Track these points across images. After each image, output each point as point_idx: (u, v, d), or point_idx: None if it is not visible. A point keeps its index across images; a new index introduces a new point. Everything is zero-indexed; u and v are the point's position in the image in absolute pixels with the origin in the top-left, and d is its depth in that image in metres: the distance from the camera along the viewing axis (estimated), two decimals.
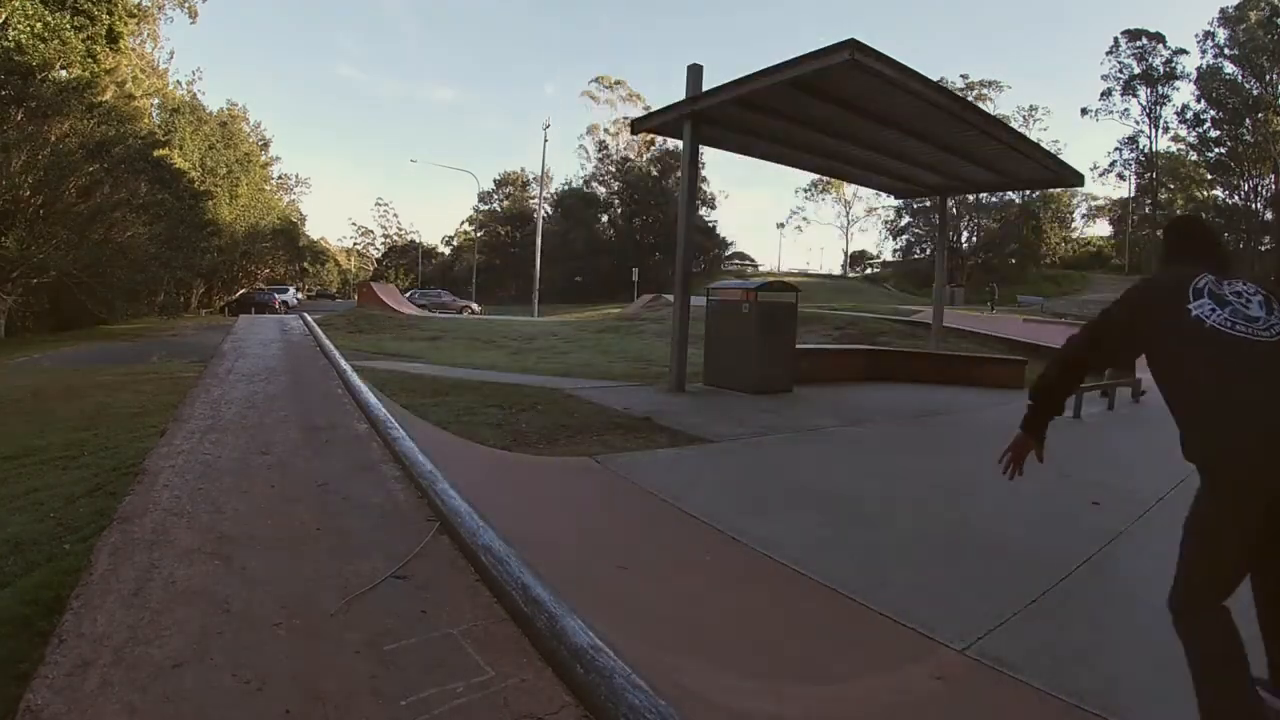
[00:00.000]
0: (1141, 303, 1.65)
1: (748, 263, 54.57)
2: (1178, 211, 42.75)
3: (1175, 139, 43.23)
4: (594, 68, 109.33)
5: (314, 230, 58.99)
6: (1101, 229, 52.45)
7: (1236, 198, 41.57)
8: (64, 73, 18.59)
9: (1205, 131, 41.05)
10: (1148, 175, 44.72)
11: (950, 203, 19.70)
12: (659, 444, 4.54)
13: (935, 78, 9.54)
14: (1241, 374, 1.40)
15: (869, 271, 58.77)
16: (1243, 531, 1.42)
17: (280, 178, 50.10)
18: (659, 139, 37.58)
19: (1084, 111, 45.55)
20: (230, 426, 3.04)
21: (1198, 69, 40.31)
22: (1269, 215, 40.01)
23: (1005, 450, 1.84)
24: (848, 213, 58.76)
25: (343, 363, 4.73)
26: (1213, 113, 40.19)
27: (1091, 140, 71.48)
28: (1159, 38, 42.00)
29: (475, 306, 32.49)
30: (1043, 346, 14.59)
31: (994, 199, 46.44)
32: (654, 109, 8.75)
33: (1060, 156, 8.87)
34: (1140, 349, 1.64)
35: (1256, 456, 1.36)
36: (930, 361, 9.51)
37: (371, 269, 60.98)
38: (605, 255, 45.34)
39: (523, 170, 54.17)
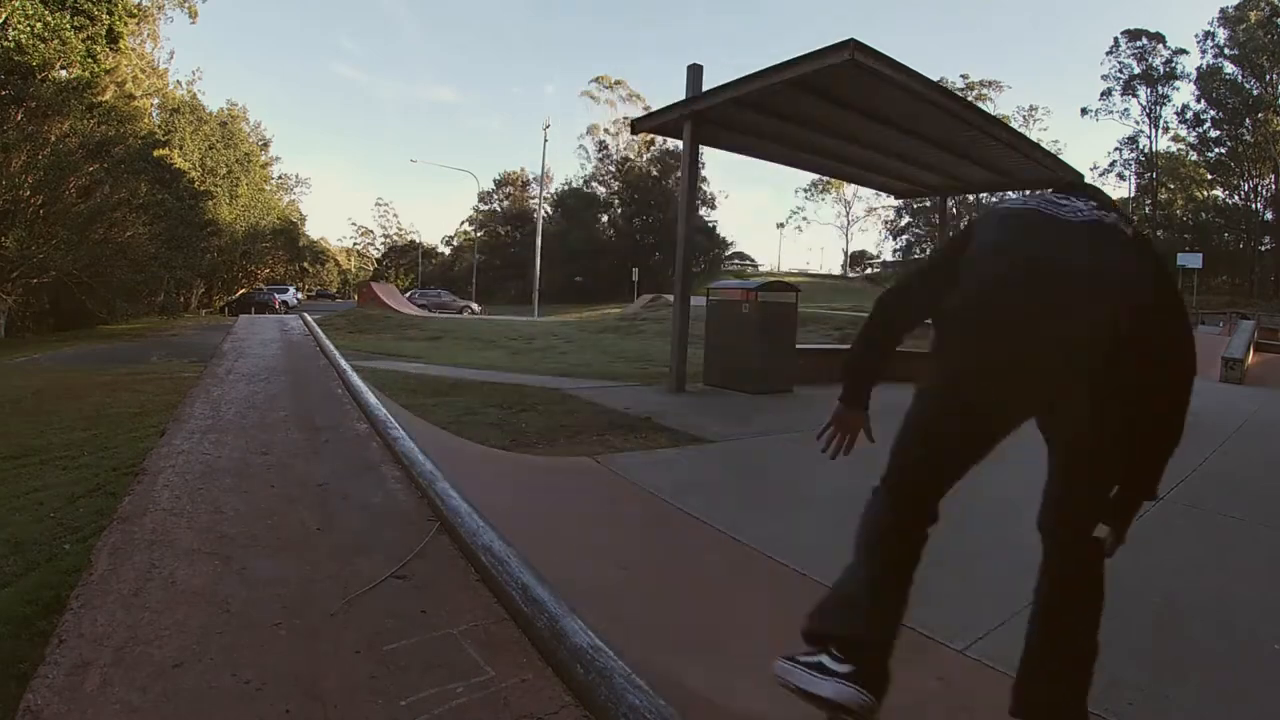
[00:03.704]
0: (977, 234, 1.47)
1: (748, 263, 54.60)
2: (1177, 212, 42.86)
3: (1175, 139, 43.29)
4: (594, 68, 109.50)
5: (314, 230, 59.05)
6: None
7: (1236, 198, 41.60)
8: (64, 73, 18.57)
9: (1205, 131, 41.09)
10: (1148, 175, 44.70)
11: (950, 203, 19.69)
12: (659, 444, 4.54)
13: (935, 78, 9.54)
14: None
15: (869, 272, 58.82)
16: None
17: (280, 178, 50.19)
18: (659, 139, 37.57)
19: (1084, 111, 45.56)
20: (230, 426, 3.04)
21: (1198, 69, 40.37)
22: (1269, 215, 39.99)
23: (827, 431, 1.60)
24: (848, 213, 58.86)
25: (343, 363, 4.72)
26: (1213, 113, 40.20)
27: (1091, 140, 71.88)
28: (1159, 38, 42.01)
29: (475, 306, 32.50)
30: None
31: (994, 199, 46.47)
32: (654, 109, 8.75)
33: (1060, 156, 8.88)
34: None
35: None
36: None
37: (371, 269, 60.97)
38: (605, 255, 45.31)
39: (523, 170, 54.08)
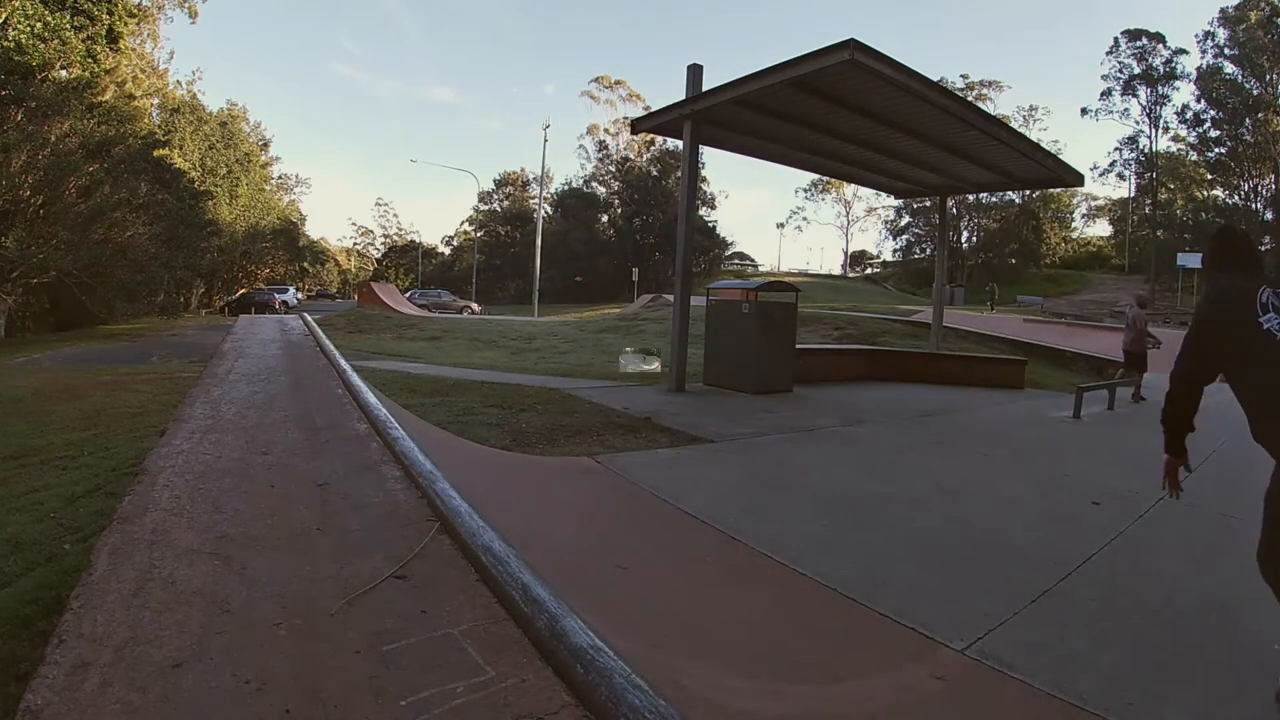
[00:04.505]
0: (1223, 319, 1.87)
1: (748, 263, 54.60)
2: (1177, 212, 42.85)
3: (1175, 139, 43.22)
4: (594, 68, 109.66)
5: (314, 230, 59.07)
6: (1101, 229, 52.58)
7: (1236, 198, 41.57)
8: (64, 73, 18.56)
9: (1205, 131, 41.04)
10: (1148, 175, 44.65)
11: (950, 203, 19.70)
12: (659, 444, 4.54)
13: (935, 78, 9.55)
14: None
15: (869, 271, 58.82)
16: None
17: (280, 178, 50.18)
18: (659, 139, 37.59)
19: (1084, 111, 45.47)
20: (230, 426, 3.04)
21: (1198, 69, 40.32)
22: (1269, 215, 39.98)
23: (1163, 478, 2.11)
24: (848, 213, 58.88)
25: (343, 363, 4.73)
26: (1213, 113, 40.17)
27: (1091, 140, 71.91)
28: (1159, 38, 41.97)
29: (475, 306, 32.49)
30: (1043, 346, 14.59)
31: (994, 199, 46.47)
32: (654, 109, 8.74)
33: (1060, 156, 8.86)
34: (1226, 360, 1.85)
35: None
36: (930, 361, 9.51)
37: (371, 269, 60.97)
38: (605, 255, 45.32)
39: (523, 170, 54.14)
